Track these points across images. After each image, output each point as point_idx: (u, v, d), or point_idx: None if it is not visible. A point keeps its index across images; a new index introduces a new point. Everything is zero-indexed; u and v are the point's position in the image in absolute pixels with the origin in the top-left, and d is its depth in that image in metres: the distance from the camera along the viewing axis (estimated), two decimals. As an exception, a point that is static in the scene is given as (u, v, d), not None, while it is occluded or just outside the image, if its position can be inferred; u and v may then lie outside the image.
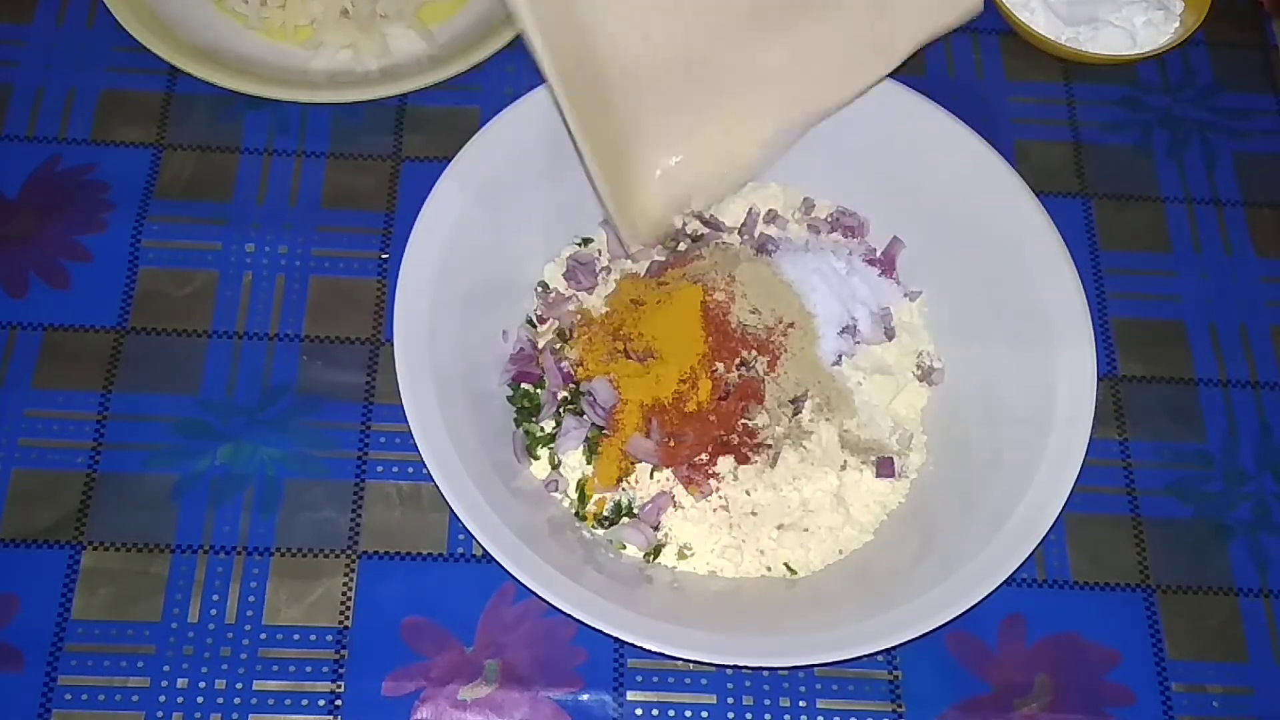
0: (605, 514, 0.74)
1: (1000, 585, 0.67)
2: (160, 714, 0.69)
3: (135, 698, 0.69)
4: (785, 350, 0.75)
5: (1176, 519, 0.78)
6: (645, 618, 0.65)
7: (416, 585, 0.73)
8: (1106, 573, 0.76)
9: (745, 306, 0.75)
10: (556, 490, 0.74)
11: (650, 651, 0.65)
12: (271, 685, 0.70)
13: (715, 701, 0.71)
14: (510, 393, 0.77)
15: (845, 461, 0.75)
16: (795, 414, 0.75)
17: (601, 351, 0.76)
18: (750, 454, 0.74)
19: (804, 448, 0.74)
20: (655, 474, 0.74)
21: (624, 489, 0.74)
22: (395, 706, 0.70)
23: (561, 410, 0.76)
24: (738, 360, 0.74)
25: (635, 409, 0.73)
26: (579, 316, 0.78)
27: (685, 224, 0.83)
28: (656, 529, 0.73)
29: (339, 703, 0.70)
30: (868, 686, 0.72)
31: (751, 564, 0.73)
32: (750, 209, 0.83)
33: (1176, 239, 0.88)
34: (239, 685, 0.70)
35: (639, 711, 0.71)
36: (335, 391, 0.78)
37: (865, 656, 0.66)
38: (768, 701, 0.71)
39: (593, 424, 0.74)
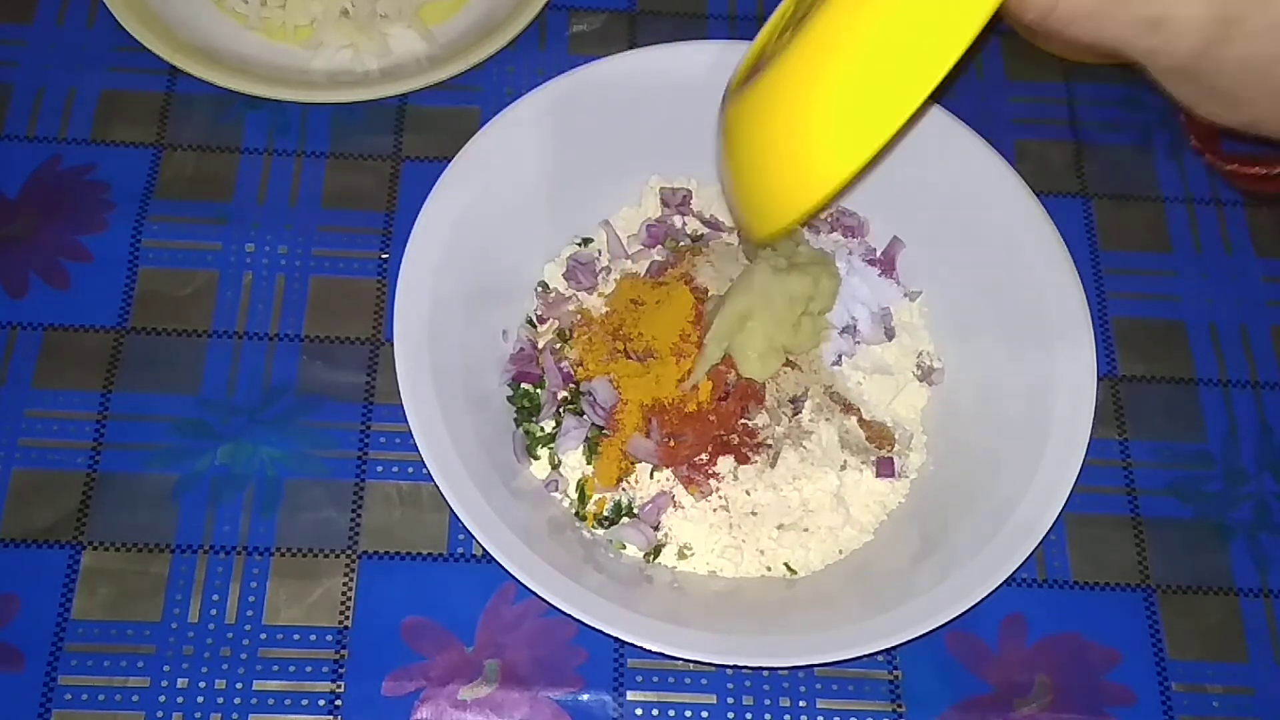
0: (605, 514, 0.74)
1: (1000, 585, 0.67)
2: (160, 714, 0.69)
3: (135, 698, 0.69)
4: (785, 350, 0.75)
5: (1176, 519, 0.78)
6: (645, 618, 0.65)
7: (416, 585, 0.73)
8: (1106, 573, 0.76)
9: (745, 306, 0.76)
10: (556, 490, 0.74)
11: (650, 651, 0.65)
12: (271, 685, 0.70)
13: (715, 701, 0.71)
14: (510, 393, 0.77)
15: (845, 461, 0.75)
16: (795, 414, 0.75)
17: (601, 351, 0.76)
18: (750, 454, 0.74)
19: (804, 448, 0.74)
20: (655, 474, 0.74)
21: (624, 489, 0.74)
22: (395, 706, 0.70)
23: (561, 410, 0.76)
24: (738, 360, 0.75)
25: (635, 409, 0.74)
26: (579, 317, 0.78)
27: (685, 224, 0.83)
28: (656, 529, 0.73)
29: (339, 703, 0.70)
30: (868, 686, 0.72)
31: (751, 564, 0.73)
32: (750, 209, 0.83)
33: (1176, 239, 0.88)
34: (239, 685, 0.70)
35: (639, 711, 0.71)
36: (335, 391, 0.78)
37: (865, 656, 0.66)
38: (768, 701, 0.71)
39: (593, 424, 0.74)
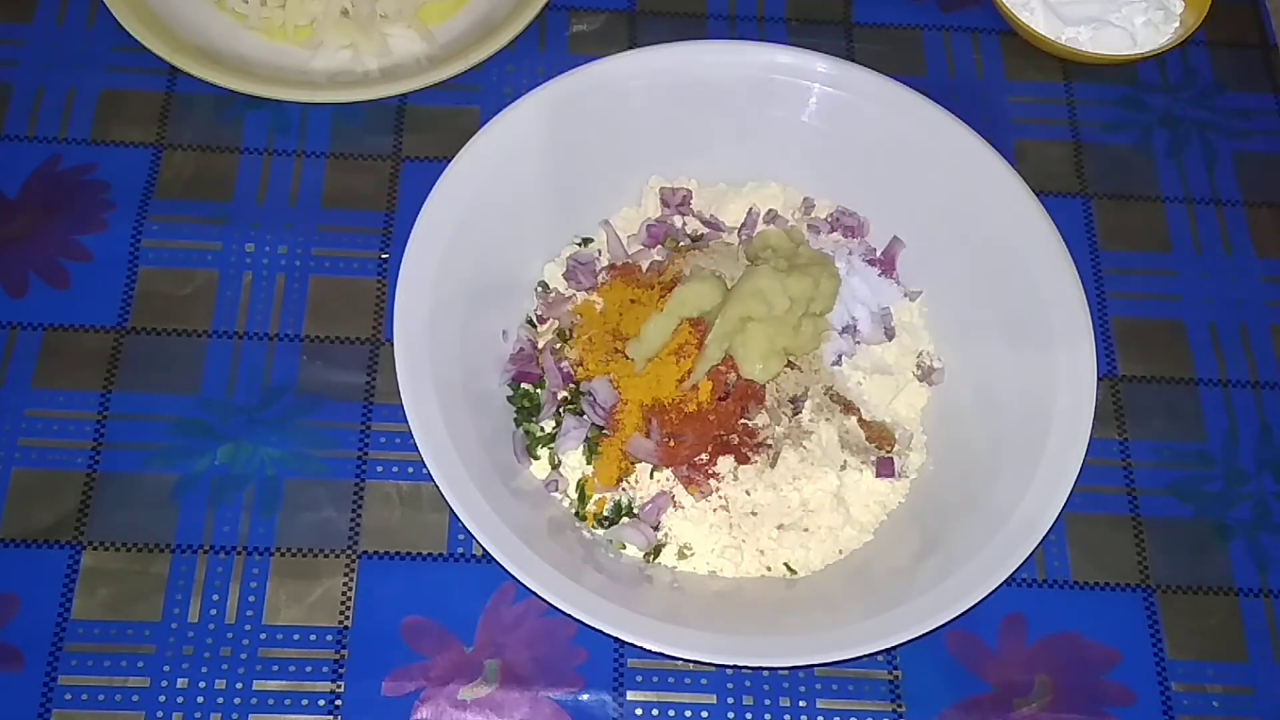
0: (605, 514, 0.74)
1: (1000, 585, 0.67)
2: (160, 714, 0.69)
3: (135, 698, 0.69)
4: (785, 350, 0.75)
5: (1176, 519, 0.78)
6: (645, 618, 0.65)
7: (416, 585, 0.73)
8: (1106, 573, 0.76)
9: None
10: (556, 490, 0.74)
11: (650, 651, 0.65)
12: (271, 685, 0.70)
13: (715, 701, 0.71)
14: (510, 393, 0.77)
15: (845, 461, 0.75)
16: (795, 414, 0.75)
17: (601, 351, 0.76)
18: (750, 454, 0.74)
19: (804, 448, 0.74)
20: (655, 474, 0.74)
21: (624, 489, 0.74)
22: (395, 706, 0.70)
23: (561, 410, 0.76)
24: (738, 360, 0.75)
25: (635, 409, 0.74)
26: (578, 317, 0.78)
27: (685, 224, 0.83)
28: (656, 529, 0.73)
29: (339, 703, 0.70)
30: (868, 686, 0.72)
31: (751, 564, 0.73)
32: (750, 209, 0.83)
33: (1176, 239, 0.88)
34: (239, 685, 0.70)
35: (639, 711, 0.71)
36: (335, 391, 0.78)
37: (865, 656, 0.66)
38: (768, 701, 0.71)
39: (593, 424, 0.74)
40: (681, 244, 0.82)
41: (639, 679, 0.71)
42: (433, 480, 0.67)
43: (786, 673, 0.72)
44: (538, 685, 0.70)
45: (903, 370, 0.79)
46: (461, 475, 0.67)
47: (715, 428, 0.73)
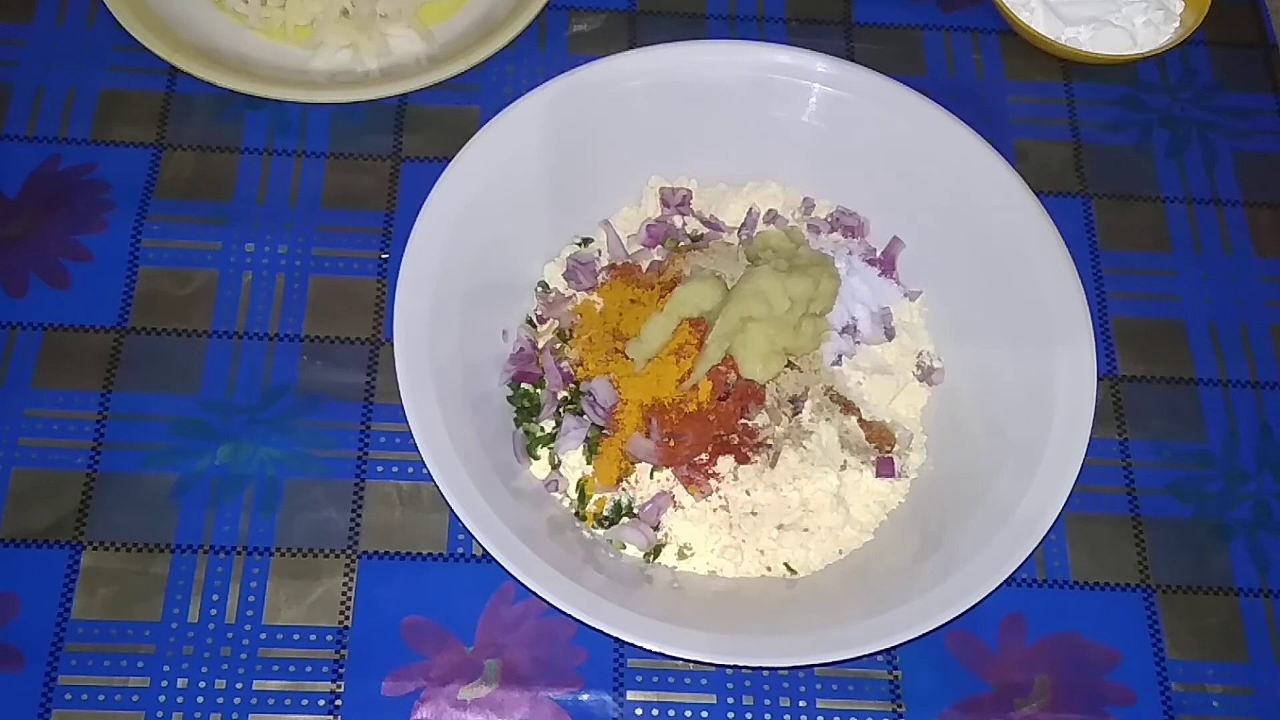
0: (605, 514, 0.74)
1: (1000, 585, 0.67)
2: (160, 714, 0.69)
3: (135, 698, 0.69)
4: (785, 350, 0.75)
5: (1176, 519, 0.78)
6: (645, 618, 0.65)
7: (416, 585, 0.73)
8: (1106, 573, 0.76)
9: (745, 306, 0.75)
10: (556, 490, 0.74)
11: (650, 651, 0.65)
12: (271, 685, 0.70)
13: (715, 701, 0.71)
14: (510, 393, 0.77)
15: (845, 461, 0.75)
16: (795, 414, 0.75)
17: (601, 351, 0.76)
18: (750, 454, 0.74)
19: (804, 448, 0.74)
20: (655, 474, 0.74)
21: (624, 489, 0.74)
22: (395, 706, 0.70)
23: (561, 410, 0.76)
24: (738, 360, 0.75)
25: (635, 409, 0.74)
26: (578, 317, 0.78)
27: (685, 224, 0.83)
28: (656, 529, 0.73)
29: (339, 703, 0.70)
30: (868, 686, 0.72)
31: (751, 564, 0.73)
32: (750, 209, 0.83)
33: (1176, 239, 0.88)
34: (239, 685, 0.70)
35: (639, 711, 0.71)
36: (335, 391, 0.78)
37: (865, 656, 0.66)
38: (768, 701, 0.71)
39: (593, 424, 0.74)
40: (681, 244, 0.82)
41: (639, 679, 0.71)
42: (433, 480, 0.67)
43: (786, 673, 0.72)
44: (538, 685, 0.70)
45: (903, 370, 0.79)
46: (461, 475, 0.67)
47: (715, 428, 0.73)
